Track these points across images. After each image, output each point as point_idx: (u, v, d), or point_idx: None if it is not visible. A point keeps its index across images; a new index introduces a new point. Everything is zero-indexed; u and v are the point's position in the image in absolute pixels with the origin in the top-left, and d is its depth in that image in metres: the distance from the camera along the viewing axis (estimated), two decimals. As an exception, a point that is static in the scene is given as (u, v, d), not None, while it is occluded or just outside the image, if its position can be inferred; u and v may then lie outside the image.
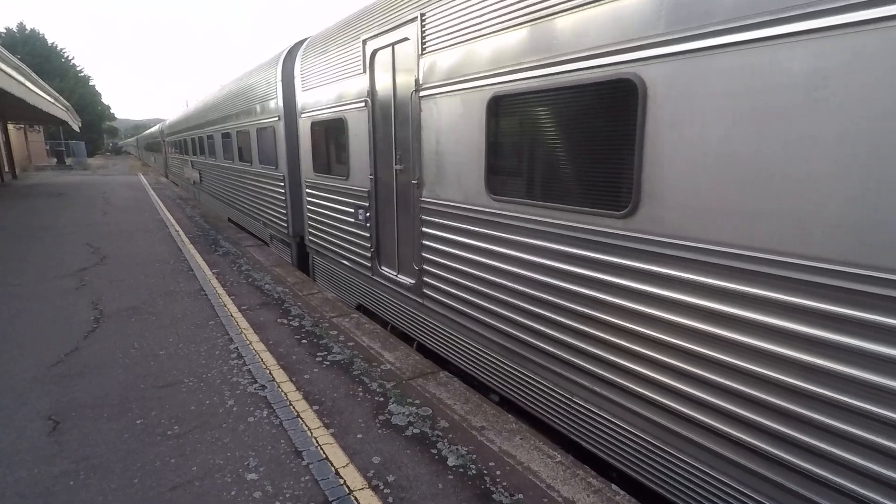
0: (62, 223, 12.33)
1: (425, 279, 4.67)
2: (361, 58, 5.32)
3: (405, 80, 4.64)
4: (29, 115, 23.92)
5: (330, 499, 2.80)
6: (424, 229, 4.56)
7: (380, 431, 3.48)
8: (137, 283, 7.06)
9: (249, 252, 9.28)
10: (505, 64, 3.42)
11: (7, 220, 12.95)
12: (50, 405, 3.83)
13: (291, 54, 7.56)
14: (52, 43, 52.62)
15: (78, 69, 57.66)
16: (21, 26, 50.01)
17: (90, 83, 62.04)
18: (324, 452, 3.22)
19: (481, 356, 4.14)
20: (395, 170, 4.95)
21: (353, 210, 5.86)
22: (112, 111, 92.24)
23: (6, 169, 27.74)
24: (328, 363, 4.57)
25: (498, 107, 3.56)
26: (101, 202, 16.71)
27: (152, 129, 41.69)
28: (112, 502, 2.79)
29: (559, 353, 3.33)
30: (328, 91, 6.22)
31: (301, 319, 5.70)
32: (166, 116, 30.91)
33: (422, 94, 4.32)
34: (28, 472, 3.05)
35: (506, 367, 3.88)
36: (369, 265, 5.72)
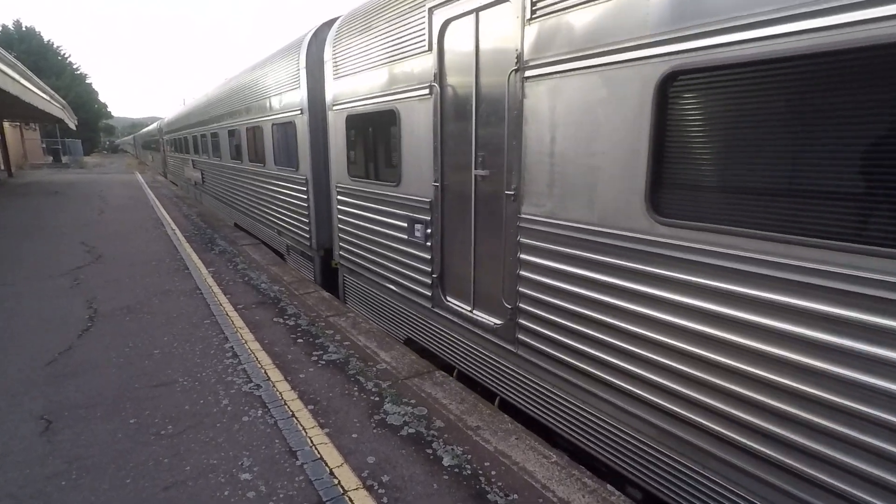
0: (57, 222, 12.27)
1: (522, 321, 3.57)
2: (426, 32, 4.20)
3: (496, 58, 3.55)
4: (25, 112, 23.81)
5: (324, 499, 2.79)
6: (524, 257, 3.43)
7: (375, 431, 3.47)
8: (133, 282, 7.03)
9: (246, 251, 9.25)
10: (699, 21, 2.29)
11: (2, 218, 12.88)
12: (43, 405, 3.80)
13: (318, 37, 6.55)
14: (49, 40, 52.47)
15: (74, 67, 57.46)
16: (17, 24, 49.81)
17: (87, 81, 61.84)
18: (318, 452, 3.21)
19: (616, 436, 3.04)
20: (476, 176, 3.85)
21: (405, 224, 4.78)
22: (109, 109, 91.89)
23: (1, 167, 27.62)
24: (324, 362, 4.56)
25: (678, 87, 2.46)
26: (98, 201, 16.64)
27: (150, 127, 40.73)
28: (104, 503, 2.77)
29: (776, 454, 2.24)
30: (371, 77, 5.11)
31: (297, 318, 5.68)
32: (164, 115, 30.43)
33: (527, 74, 3.21)
34: (20, 472, 3.03)
35: (657, 456, 2.81)
36: (428, 294, 4.63)
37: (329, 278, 7.18)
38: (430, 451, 3.25)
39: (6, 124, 28.82)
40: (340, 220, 6.23)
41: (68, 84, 50.13)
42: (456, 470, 3.06)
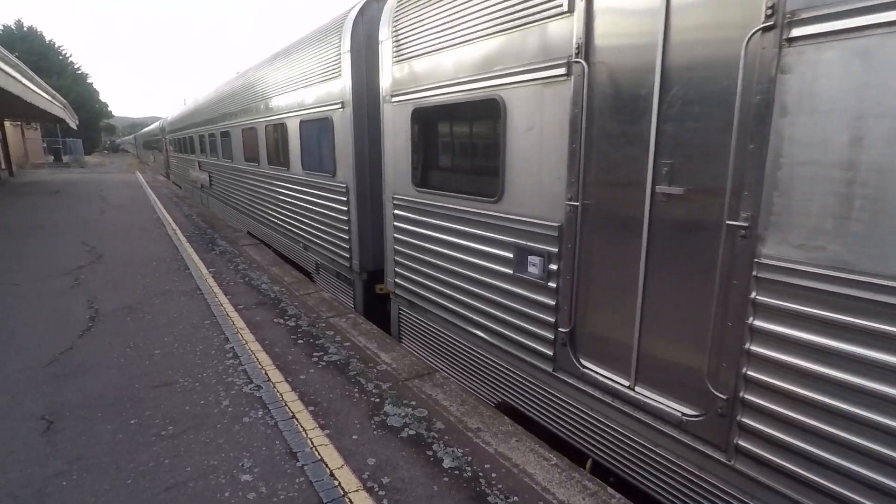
0: (58, 221, 12.28)
1: (746, 421, 2.42)
2: None
3: (713, 14, 2.36)
4: (26, 112, 23.85)
5: (324, 501, 2.79)
6: (763, 325, 2.30)
7: (375, 433, 3.47)
8: (133, 282, 7.03)
9: (246, 251, 9.26)
10: None
11: (3, 217, 12.89)
12: (44, 405, 3.80)
13: (366, 14, 5.50)
14: (50, 40, 52.58)
15: (76, 66, 57.54)
16: (19, 24, 49.89)
17: (88, 81, 61.91)
18: (319, 454, 3.21)
19: None
20: (657, 195, 2.68)
21: (509, 255, 3.61)
22: (110, 109, 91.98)
23: (2, 166, 27.66)
24: (324, 363, 4.56)
25: None
26: (98, 200, 16.65)
27: (152, 126, 39.91)
28: (105, 503, 2.77)
29: None
30: (457, 57, 3.91)
31: (297, 319, 5.68)
32: (164, 115, 30.20)
33: (795, 34, 2.07)
34: (21, 472, 3.03)
35: None
36: (548, 353, 3.43)
37: (374, 305, 6.05)
38: (430, 452, 3.25)
39: (7, 124, 28.87)
40: (398, 241, 5.03)
41: (69, 84, 50.21)
42: (456, 472, 3.06)
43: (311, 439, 3.37)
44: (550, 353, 3.40)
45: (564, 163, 3.12)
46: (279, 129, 7.93)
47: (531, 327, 3.55)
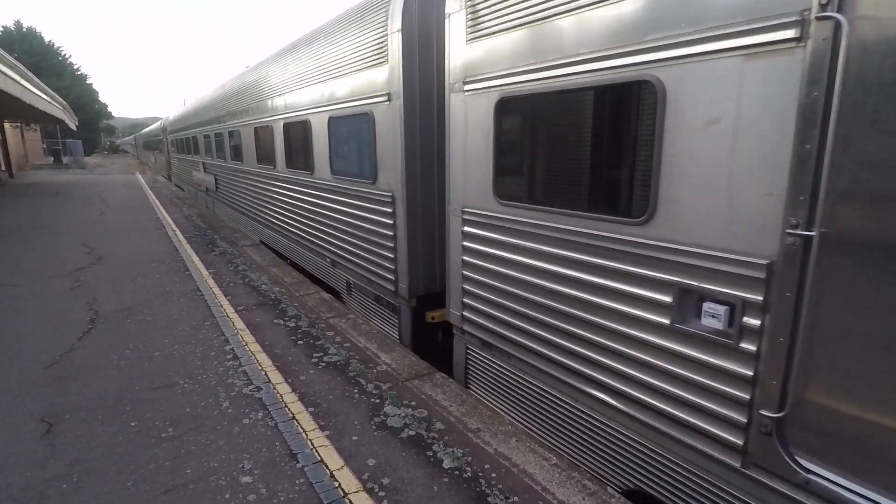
0: (58, 223, 12.29)
1: None
2: None
3: None
4: (26, 113, 23.85)
5: (325, 502, 2.79)
6: None
7: (375, 433, 3.47)
8: (133, 284, 7.04)
9: (246, 252, 9.26)
10: None
11: (2, 219, 12.90)
12: (44, 407, 3.81)
13: None
14: (49, 41, 52.54)
15: (75, 67, 57.53)
16: (18, 24, 49.87)
17: (87, 81, 61.89)
18: (319, 455, 3.21)
19: None
20: None
21: (669, 299, 2.58)
22: (109, 109, 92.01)
23: (2, 168, 27.66)
24: (324, 364, 4.56)
25: None
26: (98, 201, 16.66)
27: (152, 127, 38.90)
28: (105, 506, 2.78)
29: None
30: (583, 23, 2.85)
31: (297, 320, 5.68)
32: (164, 115, 29.95)
33: None
34: (21, 475, 3.03)
35: None
36: (736, 441, 2.40)
37: (423, 337, 5.15)
38: (430, 453, 3.25)
39: (7, 125, 28.87)
40: (469, 266, 4.02)
41: (69, 84, 50.22)
42: (456, 472, 3.06)
43: (311, 440, 3.37)
44: (739, 441, 2.37)
45: (783, 172, 2.08)
46: (301, 127, 6.90)
47: (703, 401, 2.49)
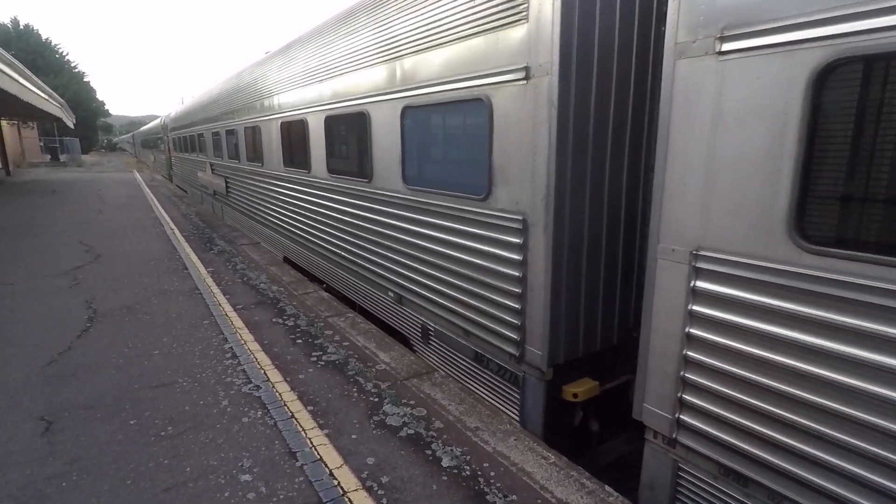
0: (56, 221, 12.26)
1: None
2: None
3: None
4: (23, 111, 23.76)
5: (324, 500, 2.80)
6: None
7: (374, 432, 3.48)
8: (132, 282, 7.03)
9: (244, 251, 9.25)
10: None
11: (0, 217, 12.86)
12: (43, 406, 3.81)
13: None
14: (47, 39, 52.37)
15: (73, 65, 57.32)
16: (15, 21, 49.69)
17: (85, 79, 61.67)
18: (318, 453, 3.22)
19: None
20: None
21: None
22: (107, 107, 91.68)
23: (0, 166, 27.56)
24: (323, 363, 4.57)
25: None
26: (96, 200, 16.62)
27: (152, 124, 37.52)
28: (105, 504, 2.78)
29: None
30: None
31: (296, 319, 5.69)
32: (162, 113, 29.55)
33: None
34: (20, 473, 3.04)
35: None
36: None
37: (558, 421, 3.68)
38: (429, 451, 3.26)
39: (4, 123, 28.79)
40: (706, 346, 2.56)
41: (66, 82, 50.03)
42: (455, 471, 3.07)
43: (310, 439, 3.38)
44: None
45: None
46: (353, 122, 5.51)
47: None
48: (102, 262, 8.25)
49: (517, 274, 3.53)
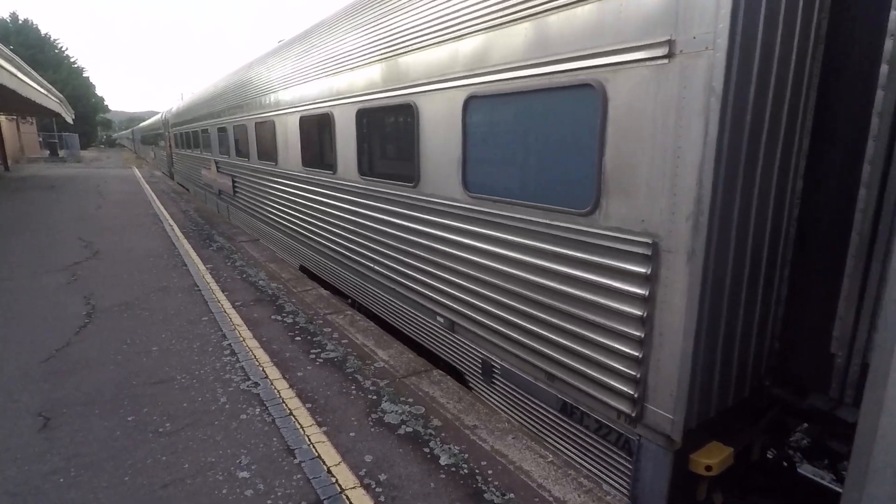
0: (54, 217, 12.23)
1: None
2: None
3: None
4: (21, 106, 23.69)
5: (322, 497, 2.80)
6: None
7: (372, 430, 3.48)
8: (130, 279, 7.02)
9: (244, 247, 9.24)
10: None
11: (-1, 212, 12.84)
12: (40, 402, 3.80)
13: None
14: (46, 34, 52.18)
15: (72, 60, 57.14)
16: (14, 16, 49.49)
17: (84, 75, 61.48)
18: (316, 451, 3.22)
19: None
20: None
21: None
22: (106, 103, 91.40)
23: (-2, 161, 27.48)
24: (322, 360, 4.57)
25: None
26: (95, 196, 16.59)
27: (152, 120, 36.80)
28: (103, 501, 2.78)
29: None
30: None
31: (295, 316, 5.69)
32: (162, 109, 29.35)
33: None
34: (18, 469, 3.04)
35: None
36: None
37: (683, 497, 2.91)
38: (427, 449, 3.26)
39: (3, 118, 28.70)
40: None
41: (65, 78, 49.86)
42: (453, 469, 3.07)
43: (308, 436, 3.38)
44: None
45: None
46: (393, 115, 4.93)
47: None
48: (101, 258, 8.23)
49: (637, 313, 2.72)
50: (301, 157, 7.05)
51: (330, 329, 5.31)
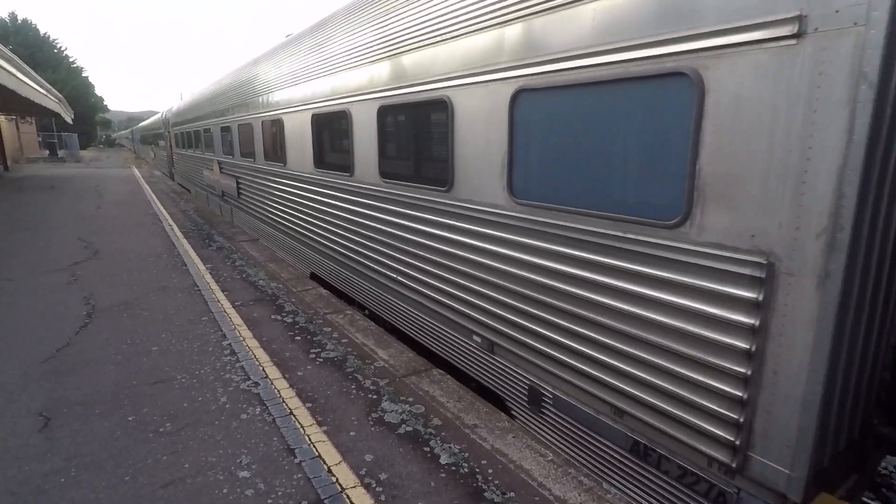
0: (54, 217, 12.23)
1: None
2: None
3: None
4: (20, 106, 23.67)
5: (322, 497, 2.81)
6: None
7: (373, 429, 3.48)
8: (130, 279, 7.02)
9: (244, 247, 9.24)
10: None
11: (-2, 213, 12.83)
12: (41, 402, 3.81)
13: None
14: (45, 33, 52.12)
15: (71, 60, 57.08)
16: (13, 16, 49.43)
17: (83, 75, 61.41)
18: (316, 450, 3.23)
19: None
20: None
21: None
22: (105, 103, 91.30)
23: (-3, 161, 27.46)
24: (322, 360, 4.57)
25: None
26: (94, 196, 16.58)
27: (152, 119, 36.42)
28: (103, 500, 2.79)
29: None
30: None
31: (295, 316, 5.69)
32: (162, 109, 29.33)
33: None
34: (19, 469, 3.04)
35: None
36: None
37: None
38: (427, 449, 3.27)
39: (2, 118, 28.68)
40: None
41: (64, 78, 49.79)
42: (453, 468, 3.08)
43: (308, 436, 3.38)
44: None
45: None
46: (421, 112, 4.47)
47: None
48: (101, 258, 8.23)
49: (743, 346, 2.29)
50: (313, 158, 6.57)
51: (330, 328, 5.32)
